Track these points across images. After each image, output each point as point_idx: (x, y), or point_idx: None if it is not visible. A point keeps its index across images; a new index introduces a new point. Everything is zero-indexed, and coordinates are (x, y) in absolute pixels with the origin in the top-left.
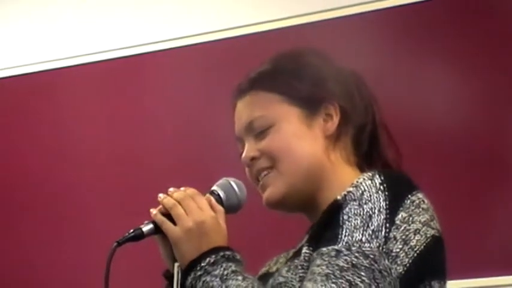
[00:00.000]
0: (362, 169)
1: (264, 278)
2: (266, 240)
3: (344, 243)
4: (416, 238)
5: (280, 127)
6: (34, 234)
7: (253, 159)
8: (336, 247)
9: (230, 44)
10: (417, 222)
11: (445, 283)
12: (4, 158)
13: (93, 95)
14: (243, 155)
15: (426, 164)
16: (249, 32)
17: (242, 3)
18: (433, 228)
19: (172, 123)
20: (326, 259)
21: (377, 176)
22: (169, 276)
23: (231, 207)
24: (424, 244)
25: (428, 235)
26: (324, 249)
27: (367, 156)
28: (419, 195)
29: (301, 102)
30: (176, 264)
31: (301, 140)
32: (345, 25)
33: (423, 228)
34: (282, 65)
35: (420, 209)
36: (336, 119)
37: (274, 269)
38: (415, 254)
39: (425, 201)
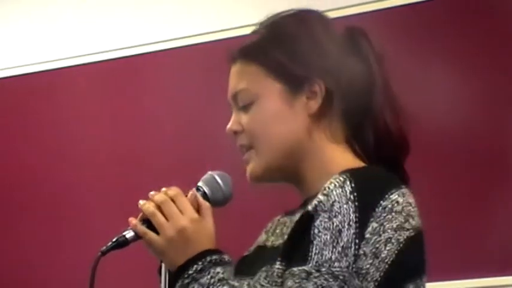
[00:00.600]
0: (351, 144)
1: (261, 250)
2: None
3: (314, 263)
4: (387, 248)
5: (261, 104)
6: (33, 234)
7: (235, 132)
8: (306, 268)
9: (231, 44)
10: (388, 230)
11: (421, 280)
12: (4, 158)
13: (93, 95)
14: (228, 126)
15: (426, 164)
16: (249, 32)
17: (242, 4)
18: (407, 230)
19: (173, 123)
20: (297, 281)
21: (347, 183)
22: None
23: (217, 202)
24: (396, 252)
25: (400, 240)
26: (295, 269)
27: (358, 127)
28: (393, 196)
29: (286, 78)
30: (164, 265)
31: (281, 120)
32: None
33: (395, 235)
34: (274, 35)
35: (392, 214)
36: (319, 98)
37: (270, 241)
38: (386, 266)
39: (400, 200)
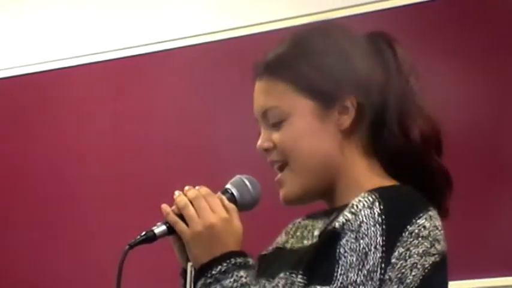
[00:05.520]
0: (379, 155)
1: (280, 251)
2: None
3: (339, 284)
4: (412, 274)
5: (292, 122)
6: (40, 234)
7: (266, 149)
8: None
9: (234, 43)
10: (415, 256)
11: None
12: (9, 157)
13: (98, 94)
14: (258, 143)
15: None
16: (253, 32)
17: (244, 4)
18: (433, 255)
19: (176, 121)
20: None
21: (376, 205)
22: (186, 276)
23: (245, 205)
24: (421, 277)
25: (426, 265)
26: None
27: (384, 136)
28: (420, 220)
29: (316, 95)
30: (189, 264)
31: (313, 137)
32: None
33: (421, 260)
34: (300, 51)
35: (419, 240)
36: (352, 113)
37: (290, 243)
38: None
39: (427, 225)
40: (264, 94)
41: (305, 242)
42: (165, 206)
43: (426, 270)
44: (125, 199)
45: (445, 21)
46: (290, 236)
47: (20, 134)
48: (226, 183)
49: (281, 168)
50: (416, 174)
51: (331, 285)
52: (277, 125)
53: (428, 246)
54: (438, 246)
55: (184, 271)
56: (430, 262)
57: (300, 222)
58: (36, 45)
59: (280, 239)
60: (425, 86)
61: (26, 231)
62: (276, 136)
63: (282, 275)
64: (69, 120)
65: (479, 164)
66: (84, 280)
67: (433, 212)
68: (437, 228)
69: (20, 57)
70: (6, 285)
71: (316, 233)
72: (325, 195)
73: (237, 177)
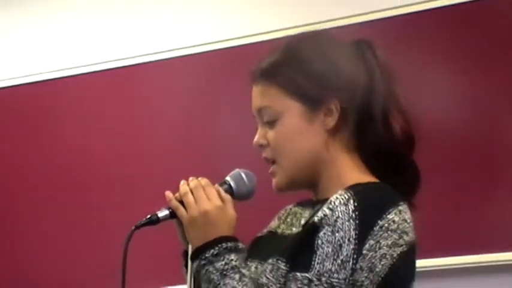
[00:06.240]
0: (361, 151)
1: (272, 236)
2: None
3: (316, 272)
4: (382, 263)
5: (284, 121)
6: (58, 224)
7: (261, 145)
8: (308, 275)
9: (232, 52)
10: (384, 247)
11: (411, 286)
12: (33, 154)
13: (112, 99)
14: (255, 139)
15: (436, 159)
16: (250, 41)
17: (240, 16)
18: (400, 245)
19: (181, 124)
20: (299, 286)
21: (351, 202)
22: (186, 256)
23: (241, 195)
24: (389, 266)
25: (394, 255)
26: (298, 275)
27: (366, 134)
28: (390, 215)
29: (304, 98)
30: (190, 246)
31: (301, 136)
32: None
33: (389, 251)
34: (291, 58)
35: (388, 233)
36: (335, 115)
37: (281, 228)
38: (380, 279)
39: (396, 219)
40: (259, 96)
41: (293, 229)
42: (168, 193)
43: (394, 260)
44: (132, 189)
45: (424, 32)
46: (282, 221)
47: (45, 132)
48: (226, 176)
49: (273, 162)
50: (392, 169)
51: (309, 273)
52: (271, 123)
53: (397, 238)
54: (406, 238)
55: (186, 252)
56: (398, 252)
57: (291, 209)
58: (49, 55)
59: (273, 223)
60: (408, 89)
61: (50, 222)
62: (270, 134)
63: (270, 260)
64: (88, 120)
65: (479, 159)
66: (94, 262)
67: (403, 207)
68: (406, 221)
69: (47, 64)
70: (24, 271)
71: (303, 221)
72: (311, 187)
73: (236, 170)
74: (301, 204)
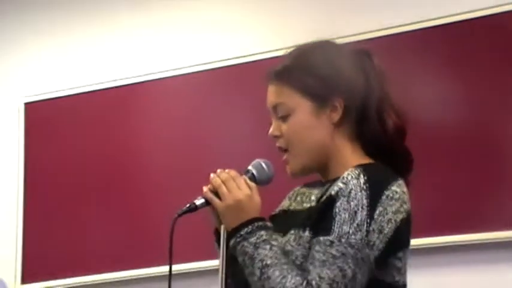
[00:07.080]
0: (362, 140)
1: (285, 213)
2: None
3: (336, 235)
4: (388, 226)
5: (295, 116)
6: (115, 211)
7: (275, 136)
8: (330, 238)
9: (230, 71)
10: (390, 213)
11: (407, 248)
12: (93, 153)
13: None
14: (270, 131)
15: (433, 152)
16: (247, 60)
17: (244, 37)
18: (401, 212)
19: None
20: (322, 247)
21: (361, 176)
22: (218, 234)
23: (262, 182)
24: (394, 229)
25: (397, 220)
26: (321, 238)
27: (366, 128)
28: (393, 187)
29: (313, 97)
30: (222, 226)
31: (311, 130)
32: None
33: (394, 217)
34: (302, 63)
35: (393, 201)
36: (340, 110)
37: (292, 206)
38: (387, 239)
39: (398, 190)
40: (274, 94)
41: (304, 205)
42: (205, 187)
43: (398, 224)
44: (172, 184)
45: (439, 45)
46: (292, 200)
47: (105, 135)
48: (246, 167)
49: (285, 151)
50: (388, 155)
51: (330, 236)
52: (284, 118)
53: (399, 206)
54: (405, 206)
55: (217, 230)
56: (401, 217)
57: (299, 190)
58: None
59: (285, 203)
60: (401, 89)
61: (99, 207)
62: (283, 127)
63: (292, 231)
64: (137, 124)
65: (475, 152)
66: (143, 243)
67: (401, 181)
68: (404, 193)
69: (107, 75)
70: (87, 247)
71: (313, 198)
72: (320, 170)
73: (256, 160)
74: (308, 185)
